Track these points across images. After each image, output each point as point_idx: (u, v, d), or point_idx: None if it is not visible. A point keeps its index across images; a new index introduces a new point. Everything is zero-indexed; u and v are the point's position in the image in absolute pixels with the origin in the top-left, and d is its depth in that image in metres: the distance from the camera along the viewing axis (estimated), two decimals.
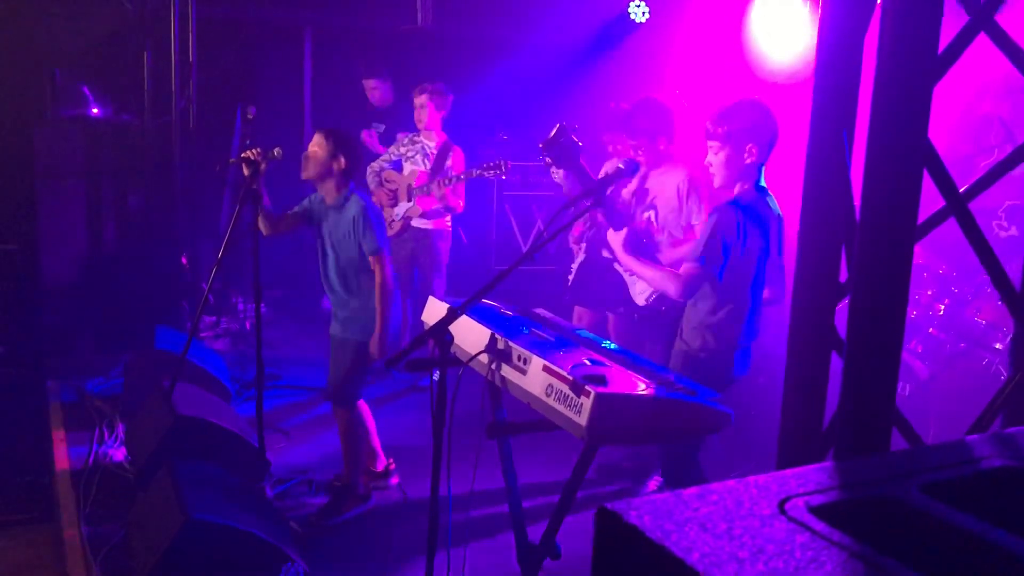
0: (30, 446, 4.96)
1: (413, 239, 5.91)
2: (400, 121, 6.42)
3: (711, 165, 3.60)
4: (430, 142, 5.86)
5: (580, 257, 5.23)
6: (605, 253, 4.65)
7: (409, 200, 5.82)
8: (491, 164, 5.49)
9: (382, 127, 6.62)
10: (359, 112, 6.76)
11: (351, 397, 4.26)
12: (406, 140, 5.98)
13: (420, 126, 5.87)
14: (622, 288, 5.27)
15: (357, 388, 4.29)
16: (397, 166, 5.96)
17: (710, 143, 3.58)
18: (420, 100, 5.80)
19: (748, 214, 3.50)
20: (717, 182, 3.62)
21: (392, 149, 6.04)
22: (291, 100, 8.08)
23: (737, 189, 3.60)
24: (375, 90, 6.63)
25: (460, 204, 5.83)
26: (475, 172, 5.58)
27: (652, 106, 4.55)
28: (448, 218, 5.97)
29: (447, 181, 5.65)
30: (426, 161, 5.83)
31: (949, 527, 0.93)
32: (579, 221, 5.39)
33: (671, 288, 3.53)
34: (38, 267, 6.26)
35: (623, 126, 4.61)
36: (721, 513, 0.91)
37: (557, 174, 5.08)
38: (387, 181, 5.92)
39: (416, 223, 5.89)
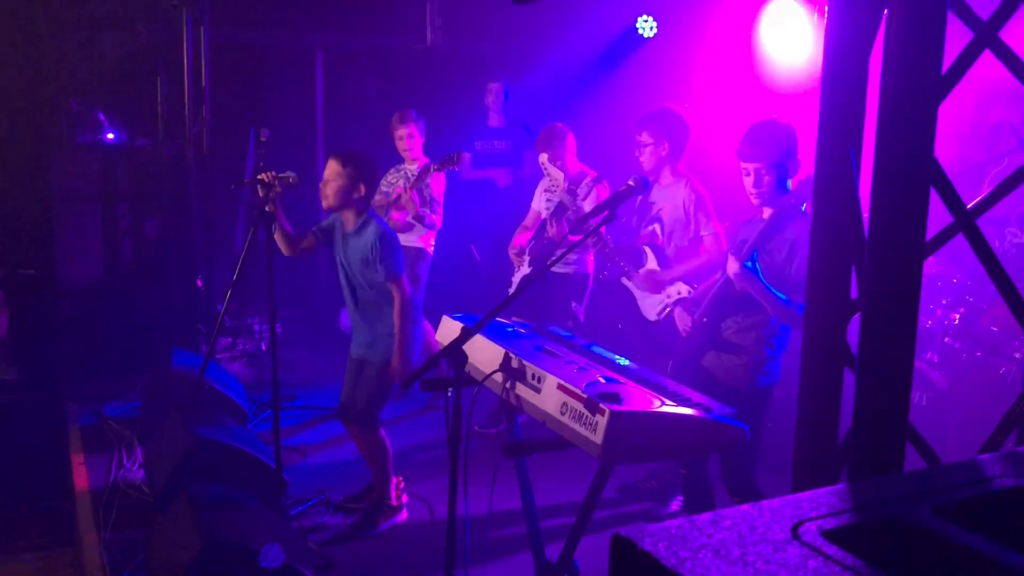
0: (49, 469, 5.00)
1: None
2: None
3: (755, 195, 3.60)
4: (411, 166, 5.91)
5: (524, 270, 5.25)
6: (627, 281, 4.63)
7: (386, 215, 5.82)
8: (445, 158, 5.49)
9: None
10: (472, 125, 6.80)
11: (373, 418, 4.29)
12: (392, 171, 6.01)
13: (408, 155, 5.90)
14: (561, 303, 5.30)
15: (380, 409, 4.30)
16: (388, 197, 5.97)
17: (749, 166, 3.58)
18: (407, 130, 5.82)
19: None
20: (758, 202, 3.62)
21: (382, 182, 6.03)
22: (303, 122, 8.14)
23: (767, 211, 3.60)
24: (496, 95, 6.64)
25: (434, 219, 5.75)
26: (433, 167, 5.58)
27: (671, 115, 4.57)
28: (432, 240, 5.93)
29: (411, 186, 5.65)
30: (407, 184, 5.86)
31: (961, 549, 0.93)
32: (523, 233, 5.44)
33: (800, 323, 3.54)
34: (55, 291, 6.32)
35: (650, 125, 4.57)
36: (735, 539, 0.92)
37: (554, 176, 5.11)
38: (375, 207, 5.91)
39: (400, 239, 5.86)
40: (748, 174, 3.59)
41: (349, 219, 4.20)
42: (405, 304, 4.13)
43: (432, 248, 5.96)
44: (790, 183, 3.60)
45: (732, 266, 3.52)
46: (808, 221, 3.51)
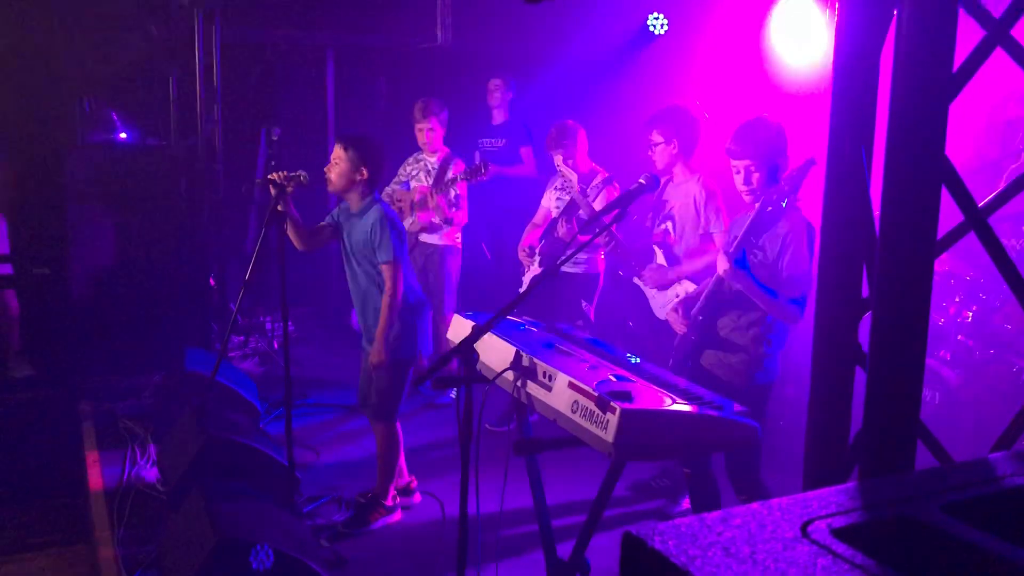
0: (63, 468, 5.03)
1: (422, 255, 5.96)
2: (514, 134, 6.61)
3: (746, 192, 3.61)
4: (431, 158, 5.95)
5: (534, 269, 5.26)
6: (638, 280, 4.63)
7: (412, 215, 5.87)
8: (470, 168, 5.54)
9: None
10: (475, 125, 6.81)
11: (390, 412, 4.31)
12: (411, 160, 6.06)
13: (428, 148, 5.94)
14: (572, 303, 5.29)
15: (396, 403, 4.32)
16: (407, 187, 6.02)
17: (739, 163, 3.59)
18: (429, 124, 5.85)
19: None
20: (749, 199, 3.63)
21: (400, 171, 6.09)
22: (315, 121, 8.16)
23: (755, 204, 3.61)
24: (495, 91, 6.70)
25: (459, 216, 5.84)
26: (459, 177, 5.61)
27: (680, 112, 4.58)
28: (458, 234, 5.99)
29: (438, 190, 5.70)
30: (428, 178, 5.91)
31: (971, 547, 0.93)
32: (532, 232, 5.44)
33: (793, 318, 3.55)
34: (69, 290, 6.36)
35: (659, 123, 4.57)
36: (744, 537, 0.92)
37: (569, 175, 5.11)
38: (397, 200, 5.97)
39: (424, 238, 5.94)
40: (738, 172, 3.63)
41: (353, 201, 4.26)
42: (395, 291, 4.14)
43: (460, 242, 6.03)
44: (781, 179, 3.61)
45: (722, 264, 3.53)
46: (799, 216, 3.54)
